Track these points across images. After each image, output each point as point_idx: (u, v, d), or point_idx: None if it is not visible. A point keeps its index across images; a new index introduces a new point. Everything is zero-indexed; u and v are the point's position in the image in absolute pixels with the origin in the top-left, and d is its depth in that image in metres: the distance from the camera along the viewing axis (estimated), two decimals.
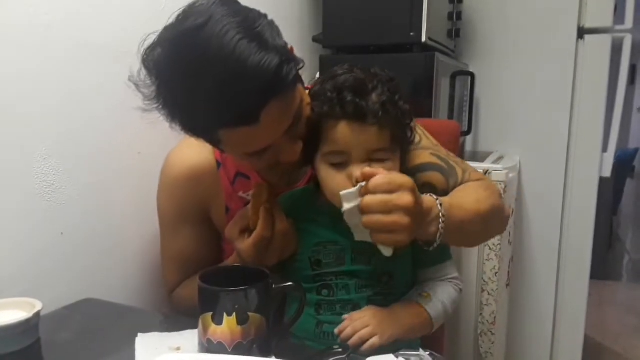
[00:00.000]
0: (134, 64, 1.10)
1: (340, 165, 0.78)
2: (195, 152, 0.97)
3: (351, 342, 0.78)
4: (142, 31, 1.11)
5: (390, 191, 0.68)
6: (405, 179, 0.70)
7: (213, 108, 0.69)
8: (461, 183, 0.92)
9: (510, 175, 1.73)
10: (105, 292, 1.03)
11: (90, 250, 1.04)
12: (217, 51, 0.66)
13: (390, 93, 0.79)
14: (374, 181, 0.69)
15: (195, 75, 0.68)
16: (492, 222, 0.89)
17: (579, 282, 2.07)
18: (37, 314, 0.73)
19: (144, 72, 0.73)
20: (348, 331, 0.78)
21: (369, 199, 0.68)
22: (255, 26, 0.70)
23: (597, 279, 2.32)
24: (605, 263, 3.79)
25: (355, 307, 0.83)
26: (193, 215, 0.98)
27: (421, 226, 0.73)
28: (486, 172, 1.64)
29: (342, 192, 0.72)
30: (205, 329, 0.70)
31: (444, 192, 0.88)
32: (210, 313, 0.69)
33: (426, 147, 0.95)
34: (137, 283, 1.16)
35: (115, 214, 1.10)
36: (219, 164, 0.97)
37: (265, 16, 0.74)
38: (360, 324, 0.79)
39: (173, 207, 0.98)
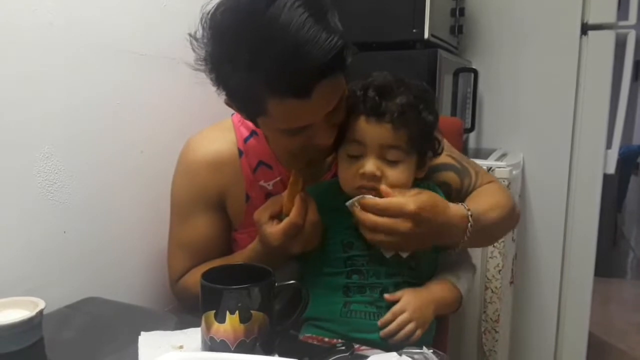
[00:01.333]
0: (137, 63, 1.11)
1: (356, 158, 0.83)
2: (217, 139, 0.98)
3: (396, 337, 0.80)
4: (145, 30, 1.12)
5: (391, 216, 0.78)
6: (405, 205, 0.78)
7: (272, 76, 0.71)
8: (474, 183, 0.98)
9: (514, 172, 1.73)
10: (108, 291, 1.03)
11: (93, 249, 1.04)
12: (286, 22, 0.69)
13: (416, 101, 0.83)
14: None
15: (260, 42, 0.70)
16: (509, 223, 0.98)
17: (583, 279, 2.06)
18: (40, 313, 0.73)
19: (202, 32, 0.76)
20: (393, 327, 0.81)
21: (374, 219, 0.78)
22: (323, 7, 0.74)
23: (601, 277, 2.32)
24: (609, 260, 3.78)
25: (384, 290, 0.84)
26: (209, 201, 0.98)
27: (444, 237, 0.83)
28: (490, 169, 1.63)
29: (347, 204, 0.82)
30: (208, 327, 0.70)
31: (458, 191, 0.96)
32: (213, 311, 0.69)
33: (443, 148, 0.98)
34: (140, 281, 1.16)
35: (118, 212, 1.10)
36: (240, 152, 0.97)
37: (330, 1, 0.77)
38: (405, 319, 0.81)
39: (190, 192, 0.98)
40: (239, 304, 0.68)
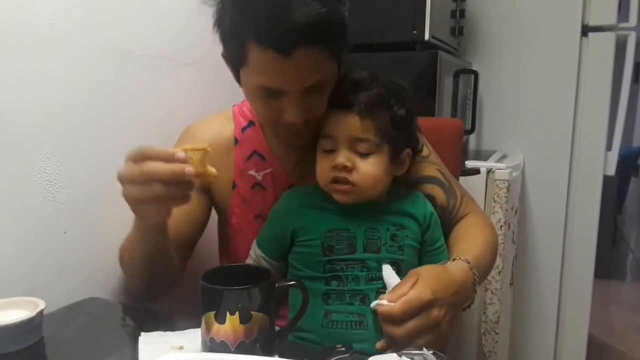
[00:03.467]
0: (137, 64, 1.11)
1: (329, 152, 0.85)
2: (216, 125, 1.00)
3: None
4: (146, 31, 1.13)
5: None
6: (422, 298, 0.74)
7: (259, 20, 0.74)
8: (459, 206, 1.00)
9: (514, 173, 1.73)
10: (108, 291, 1.04)
11: (93, 249, 1.04)
12: None
13: (387, 94, 0.85)
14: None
15: None
16: (495, 260, 0.99)
17: (583, 280, 2.06)
18: (40, 313, 0.73)
19: None
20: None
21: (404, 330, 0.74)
22: None
23: (601, 278, 2.32)
24: (609, 262, 3.78)
25: (365, 297, 0.84)
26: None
27: (463, 298, 0.83)
28: (490, 170, 1.63)
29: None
30: (208, 328, 0.70)
31: (443, 209, 0.97)
32: (213, 312, 0.69)
33: (433, 161, 1.01)
34: None
35: (118, 213, 1.09)
36: (236, 140, 0.99)
37: None
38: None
39: None
40: (239, 305, 0.68)
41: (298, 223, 0.88)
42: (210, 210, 1.03)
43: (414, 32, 1.57)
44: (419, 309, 0.74)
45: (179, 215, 0.91)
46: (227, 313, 0.68)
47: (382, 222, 0.88)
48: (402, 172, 0.91)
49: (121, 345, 0.79)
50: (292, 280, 0.79)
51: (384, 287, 0.84)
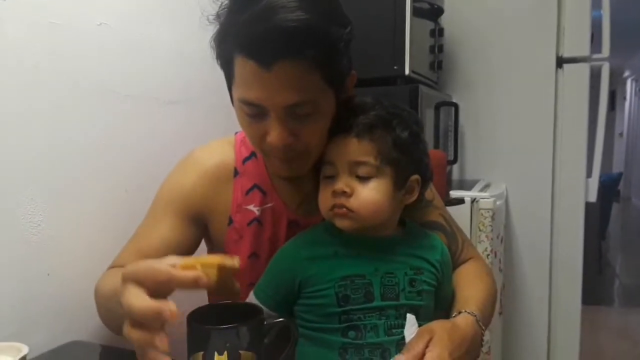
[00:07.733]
0: (121, 103, 1.12)
1: (331, 179, 0.82)
2: (219, 152, 0.96)
3: None
4: (129, 70, 1.14)
5: None
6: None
7: (243, 29, 0.73)
8: (460, 252, 0.98)
9: (498, 202, 1.75)
10: (92, 334, 1.01)
11: (77, 291, 1.02)
12: None
13: (388, 116, 0.81)
14: None
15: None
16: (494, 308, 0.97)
17: (572, 308, 2.08)
18: (23, 359, 0.71)
19: None
20: None
21: None
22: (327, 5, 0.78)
23: (589, 304, 2.33)
24: (596, 288, 3.80)
25: (385, 352, 0.78)
26: (187, 210, 0.93)
27: (474, 350, 0.80)
28: (474, 200, 1.65)
29: None
30: None
31: None
32: (201, 352, 0.68)
33: (437, 206, 1.00)
34: None
35: (101, 253, 1.08)
36: (236, 172, 0.94)
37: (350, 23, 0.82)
38: None
39: (172, 192, 0.94)
40: (228, 344, 0.67)
41: (306, 272, 0.82)
42: (199, 242, 0.97)
43: (395, 67, 1.62)
44: None
45: (163, 247, 0.88)
46: (215, 353, 0.67)
47: (398, 264, 0.83)
48: (411, 200, 0.85)
49: None
50: (280, 318, 0.78)
51: (403, 338, 0.78)
